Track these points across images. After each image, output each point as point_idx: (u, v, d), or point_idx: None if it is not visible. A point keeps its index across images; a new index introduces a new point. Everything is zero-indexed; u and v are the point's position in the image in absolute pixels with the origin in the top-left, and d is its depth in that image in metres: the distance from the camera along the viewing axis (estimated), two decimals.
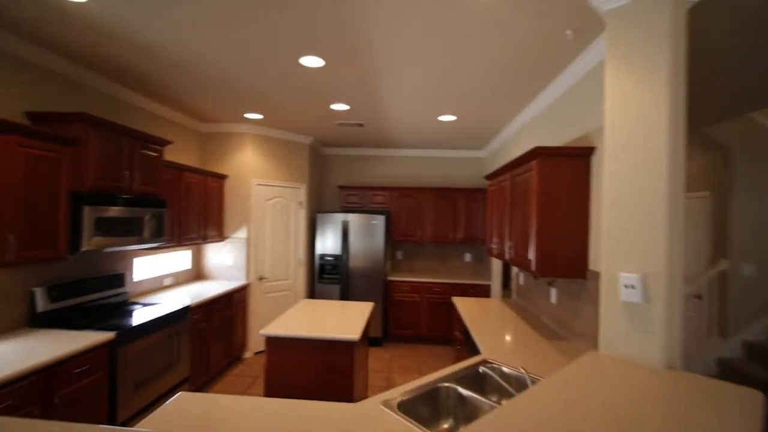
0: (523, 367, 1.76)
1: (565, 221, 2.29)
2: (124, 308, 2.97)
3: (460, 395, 1.73)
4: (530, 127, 3.47)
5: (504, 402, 1.86)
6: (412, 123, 4.12)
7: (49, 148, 2.29)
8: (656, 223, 1.56)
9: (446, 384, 1.76)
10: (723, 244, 3.87)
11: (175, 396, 1.59)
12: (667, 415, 1.14)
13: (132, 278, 3.36)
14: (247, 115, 4.02)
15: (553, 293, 2.81)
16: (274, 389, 2.52)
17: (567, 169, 2.30)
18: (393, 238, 5.23)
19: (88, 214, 2.47)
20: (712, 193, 4.07)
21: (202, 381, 3.40)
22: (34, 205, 2.20)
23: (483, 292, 4.84)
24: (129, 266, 3.33)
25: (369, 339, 4.77)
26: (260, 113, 3.94)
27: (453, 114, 3.73)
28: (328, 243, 4.87)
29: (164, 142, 3.21)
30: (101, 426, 1.10)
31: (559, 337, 2.56)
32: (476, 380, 1.99)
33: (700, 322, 3.98)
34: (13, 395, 1.76)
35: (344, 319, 2.81)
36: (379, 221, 4.82)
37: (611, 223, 1.71)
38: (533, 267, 2.35)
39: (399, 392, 1.67)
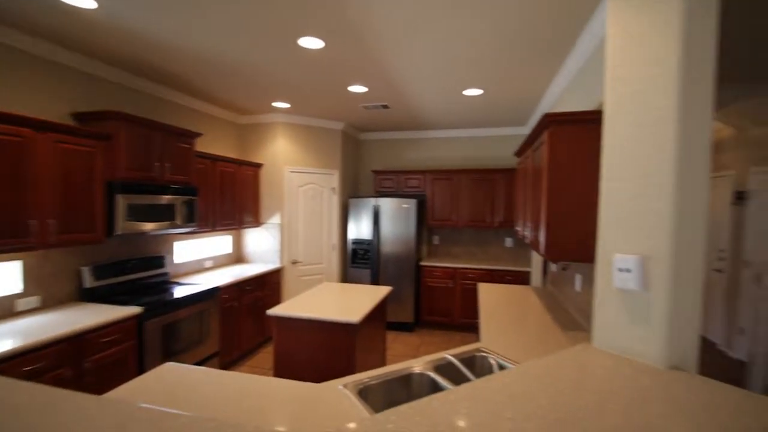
0: (509, 359, 1.59)
1: (578, 198, 2.00)
2: (161, 287, 3.28)
3: (434, 382, 1.62)
4: (567, 95, 3.09)
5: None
6: (437, 101, 3.92)
7: (84, 143, 2.58)
8: (660, 194, 1.29)
9: (419, 371, 1.66)
10: None
11: (160, 366, 1.72)
12: (624, 425, 0.94)
13: (173, 260, 3.70)
14: (275, 104, 4.14)
15: (578, 280, 2.50)
16: (282, 367, 2.61)
17: (581, 139, 2.00)
18: (428, 222, 5.08)
19: (121, 201, 2.75)
20: None
21: (233, 356, 3.65)
22: (72, 193, 2.50)
23: (522, 279, 4.51)
24: (169, 249, 3.67)
25: (399, 324, 4.74)
26: (286, 101, 4.04)
27: (478, 87, 3.46)
28: (361, 228, 4.89)
29: (194, 135, 3.44)
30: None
31: (578, 328, 2.28)
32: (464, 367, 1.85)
33: None
34: (45, 358, 2.04)
35: (355, 302, 2.80)
36: (411, 205, 4.71)
37: (608, 195, 1.45)
38: (542, 250, 2.11)
39: (368, 376, 1.61)
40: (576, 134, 2.00)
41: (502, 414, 0.98)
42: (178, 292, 3.08)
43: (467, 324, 4.71)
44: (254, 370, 3.63)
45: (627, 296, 1.36)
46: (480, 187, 4.89)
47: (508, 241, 5.11)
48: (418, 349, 4.20)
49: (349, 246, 4.94)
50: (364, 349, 2.72)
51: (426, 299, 4.85)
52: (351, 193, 5.48)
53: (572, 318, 2.51)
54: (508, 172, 4.77)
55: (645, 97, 1.33)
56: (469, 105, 4.05)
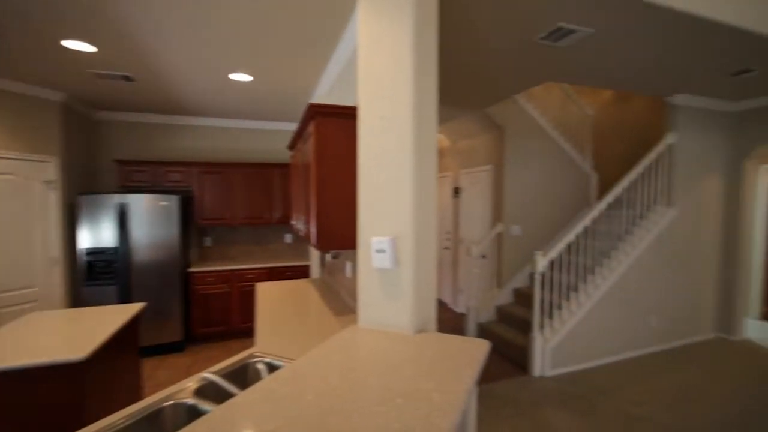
0: (285, 357, 1.48)
1: (344, 189, 2.11)
2: None
3: (195, 410, 1.34)
4: (336, 92, 3.25)
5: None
6: (200, 82, 3.42)
7: None
8: (404, 183, 1.45)
9: (172, 402, 1.33)
10: (500, 210, 4.54)
11: None
12: (383, 396, 0.99)
13: None
14: None
15: (348, 267, 2.68)
16: None
17: (346, 133, 2.11)
18: (197, 222, 4.43)
19: None
20: (493, 166, 4.71)
21: None
22: None
23: (303, 273, 4.58)
24: None
25: (165, 345, 3.97)
26: None
27: (247, 72, 3.21)
28: (100, 234, 3.76)
29: None
30: None
31: (350, 312, 2.44)
32: (235, 381, 1.64)
33: (485, 278, 4.63)
34: None
35: (85, 332, 2.07)
36: (173, 202, 3.97)
37: (364, 184, 1.55)
38: (314, 240, 2.12)
39: (94, 429, 1.17)
40: (341, 128, 2.09)
41: (264, 427, 0.85)
42: None
43: (248, 329, 4.39)
44: None
45: (384, 275, 1.48)
46: (256, 182, 4.64)
47: (288, 237, 5.09)
48: (190, 370, 3.60)
49: (82, 258, 3.72)
50: (105, 390, 2.06)
51: (198, 310, 4.23)
52: (82, 189, 4.15)
53: (345, 303, 2.67)
54: (285, 167, 4.73)
55: (387, 92, 1.48)
56: (238, 92, 3.73)
